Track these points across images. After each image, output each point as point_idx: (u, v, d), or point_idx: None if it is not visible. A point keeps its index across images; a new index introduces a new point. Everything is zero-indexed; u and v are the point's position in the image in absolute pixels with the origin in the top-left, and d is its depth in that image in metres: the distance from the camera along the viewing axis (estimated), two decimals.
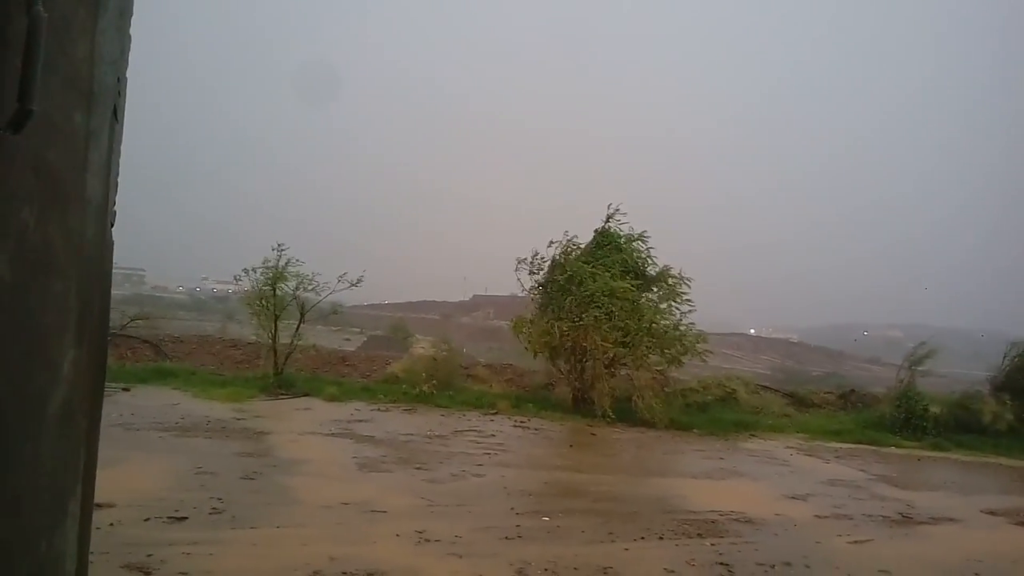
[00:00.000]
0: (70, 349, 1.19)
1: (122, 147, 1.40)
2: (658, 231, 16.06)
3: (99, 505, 5.46)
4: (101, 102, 1.21)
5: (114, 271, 1.48)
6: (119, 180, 1.39)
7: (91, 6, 1.16)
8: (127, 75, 1.35)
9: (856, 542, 7.15)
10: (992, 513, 9.10)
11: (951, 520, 8.54)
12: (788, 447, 12.93)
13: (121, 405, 10.56)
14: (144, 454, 7.92)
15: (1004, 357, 16.87)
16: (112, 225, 1.36)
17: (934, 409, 15.17)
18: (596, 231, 15.73)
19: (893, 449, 13.83)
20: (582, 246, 15.51)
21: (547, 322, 14.65)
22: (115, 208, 1.38)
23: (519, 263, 15.80)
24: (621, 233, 15.62)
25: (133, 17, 1.34)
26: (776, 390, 18.38)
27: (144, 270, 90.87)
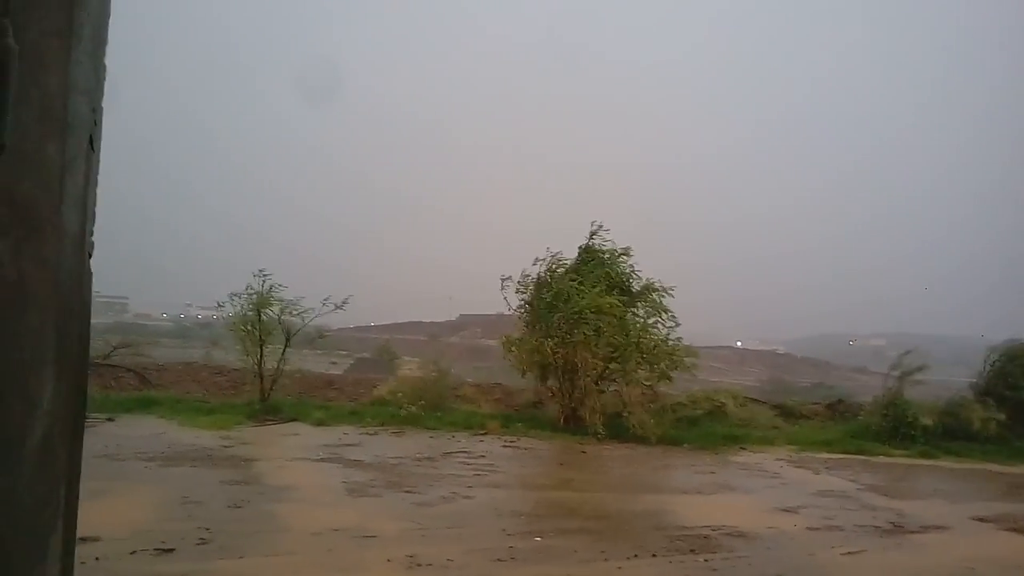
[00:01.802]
0: (49, 382, 1.18)
1: (99, 177, 1.39)
2: (644, 244, 16.19)
3: (84, 539, 5.38)
4: (76, 132, 1.20)
5: (96, 300, 1.46)
6: (96, 210, 1.38)
7: (64, 37, 1.15)
8: (103, 105, 1.34)
9: (848, 553, 7.15)
10: (982, 520, 9.14)
11: (941, 528, 8.56)
12: (778, 459, 12.94)
13: (105, 436, 10.42)
14: (129, 485, 7.82)
15: (985, 363, 17.06)
16: (90, 256, 1.35)
17: (922, 418, 15.25)
18: (580, 247, 15.79)
19: (882, 458, 13.88)
20: (567, 263, 15.55)
21: (536, 340, 14.65)
22: (93, 238, 1.37)
23: (503, 281, 15.79)
24: (605, 249, 15.70)
25: (108, 46, 1.33)
26: (764, 402, 18.41)
27: (127, 298, 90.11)
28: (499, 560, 6.18)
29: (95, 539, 5.71)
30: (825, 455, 13.68)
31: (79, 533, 1.50)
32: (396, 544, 6.40)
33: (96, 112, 1.30)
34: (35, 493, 1.16)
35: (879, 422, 15.44)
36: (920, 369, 16.18)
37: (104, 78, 1.34)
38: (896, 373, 16.28)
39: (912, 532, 8.29)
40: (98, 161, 1.35)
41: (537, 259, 15.61)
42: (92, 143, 1.30)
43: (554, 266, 15.50)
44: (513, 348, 15.40)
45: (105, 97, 1.36)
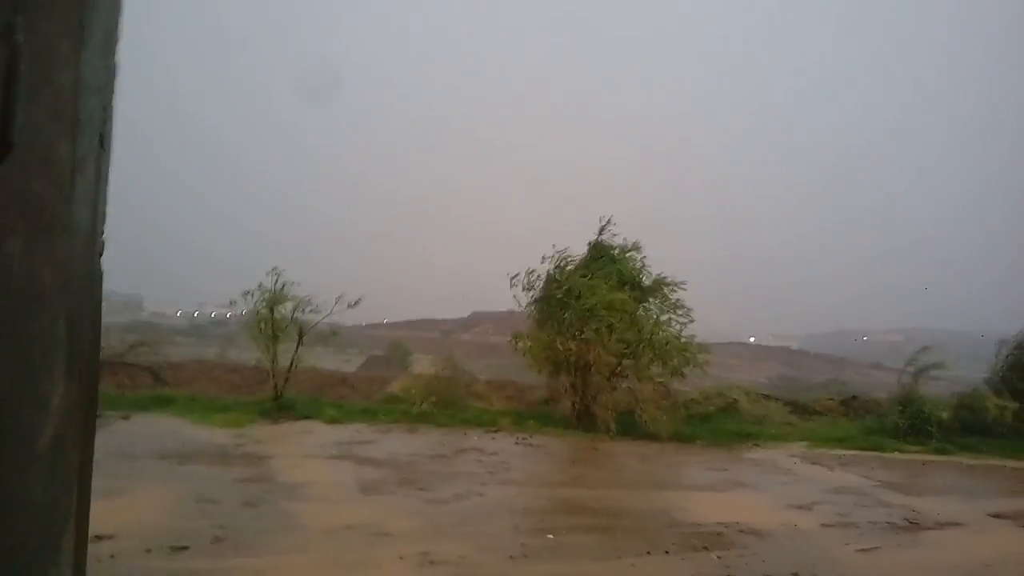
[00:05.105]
0: (60, 383, 1.17)
1: (112, 176, 1.38)
2: (653, 239, 16.21)
3: (99, 536, 5.41)
4: (87, 131, 1.19)
5: (112, 298, 1.46)
6: (107, 209, 1.37)
7: (75, 34, 1.14)
8: (113, 102, 1.34)
9: (863, 550, 7.11)
10: (998, 516, 9.06)
11: (957, 525, 8.49)
12: (792, 456, 12.88)
13: (120, 434, 10.49)
14: (144, 483, 7.86)
15: (996, 357, 16.91)
16: (101, 255, 1.34)
17: (938, 413, 15.12)
18: (590, 243, 15.76)
19: (897, 455, 13.78)
20: (576, 259, 15.52)
21: (548, 337, 14.64)
22: (104, 237, 1.36)
23: (512, 279, 15.78)
24: (615, 244, 15.66)
25: (119, 44, 1.32)
26: (778, 399, 18.32)
27: (142, 295, 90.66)
28: (511, 557, 6.17)
29: (110, 536, 5.73)
30: (839, 451, 13.60)
31: (93, 531, 1.50)
32: (409, 541, 6.40)
33: (107, 110, 1.30)
34: (47, 494, 1.15)
35: (894, 418, 15.33)
36: (936, 366, 16.04)
37: (116, 76, 1.33)
38: (911, 369, 16.15)
39: (928, 529, 8.22)
40: (109, 160, 1.35)
41: (544, 256, 15.60)
42: (103, 141, 1.30)
43: (563, 263, 15.48)
44: (521, 344, 15.38)
45: (116, 96, 1.36)
